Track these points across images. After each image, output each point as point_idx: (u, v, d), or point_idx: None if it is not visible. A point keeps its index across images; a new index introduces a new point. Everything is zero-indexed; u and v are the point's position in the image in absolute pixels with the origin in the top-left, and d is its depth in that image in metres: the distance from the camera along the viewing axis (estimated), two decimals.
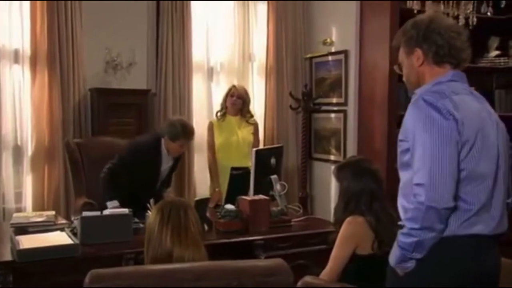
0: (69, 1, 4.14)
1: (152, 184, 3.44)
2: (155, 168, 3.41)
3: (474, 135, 1.70)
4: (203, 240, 1.79)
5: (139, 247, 2.34)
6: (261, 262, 1.59)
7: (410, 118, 1.77)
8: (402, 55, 1.94)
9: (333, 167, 2.84)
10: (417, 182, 1.69)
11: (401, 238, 1.75)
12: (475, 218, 1.71)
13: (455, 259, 1.71)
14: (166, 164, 3.47)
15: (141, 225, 2.90)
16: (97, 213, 2.78)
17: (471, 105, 1.76)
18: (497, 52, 4.86)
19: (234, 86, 4.27)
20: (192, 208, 1.81)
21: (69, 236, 2.66)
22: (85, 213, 2.71)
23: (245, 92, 4.25)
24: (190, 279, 1.55)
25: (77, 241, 2.58)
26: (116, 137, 4.23)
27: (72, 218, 3.03)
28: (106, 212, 2.77)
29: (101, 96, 4.26)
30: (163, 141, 3.38)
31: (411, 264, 1.74)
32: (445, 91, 1.76)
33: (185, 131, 3.33)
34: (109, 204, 3.11)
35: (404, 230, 1.74)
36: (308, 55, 5.09)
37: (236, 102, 4.13)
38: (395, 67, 2.00)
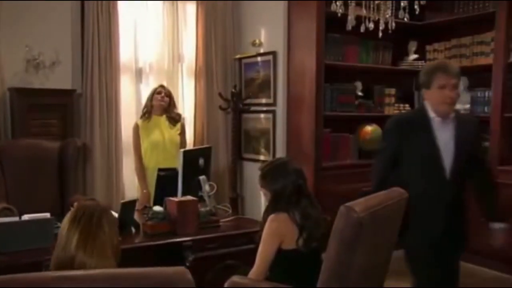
0: None
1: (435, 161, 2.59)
2: (425, 138, 2.58)
3: None
4: (115, 250, 1.67)
5: None
6: (162, 270, 1.48)
7: None
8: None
9: None
10: None
11: None
12: None
13: None
14: (442, 132, 2.58)
15: None
16: (15, 218, 2.66)
17: None
18: (415, 56, 5.14)
19: (161, 85, 4.28)
20: (109, 215, 1.71)
21: None
22: (1, 219, 2.59)
23: (171, 92, 4.29)
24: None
25: None
26: (39, 139, 4.09)
27: None
28: (25, 217, 2.65)
29: (22, 96, 4.07)
30: (426, 104, 2.62)
31: None
32: None
33: (439, 65, 2.63)
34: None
35: None
36: (237, 56, 5.13)
37: (164, 100, 4.12)
38: None
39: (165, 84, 4.50)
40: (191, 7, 4.98)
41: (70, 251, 1.58)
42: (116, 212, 2.97)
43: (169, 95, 4.18)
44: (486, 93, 4.46)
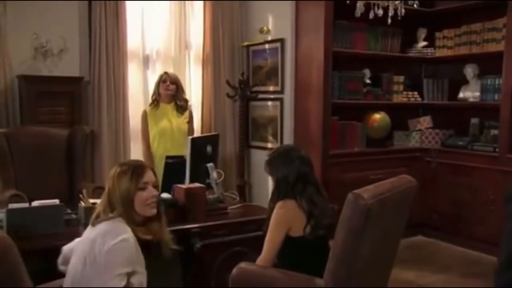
0: None
1: None
2: None
3: None
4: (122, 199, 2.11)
5: (71, 239, 2.27)
6: None
7: None
8: None
9: None
10: None
11: None
12: None
13: None
14: None
15: (74, 216, 2.82)
16: (25, 205, 2.67)
17: None
18: (424, 43, 5.09)
19: (165, 72, 4.22)
20: (127, 171, 2.13)
21: None
22: (12, 205, 2.60)
23: (177, 78, 4.23)
24: None
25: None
26: (47, 126, 4.11)
27: None
28: (35, 204, 2.67)
29: (30, 83, 4.09)
30: None
31: None
32: None
33: None
34: None
35: None
36: (245, 43, 5.11)
37: (170, 88, 4.10)
38: None
39: (172, 71, 4.48)
40: None
41: None
42: None
43: (175, 81, 4.14)
44: (497, 81, 4.42)
